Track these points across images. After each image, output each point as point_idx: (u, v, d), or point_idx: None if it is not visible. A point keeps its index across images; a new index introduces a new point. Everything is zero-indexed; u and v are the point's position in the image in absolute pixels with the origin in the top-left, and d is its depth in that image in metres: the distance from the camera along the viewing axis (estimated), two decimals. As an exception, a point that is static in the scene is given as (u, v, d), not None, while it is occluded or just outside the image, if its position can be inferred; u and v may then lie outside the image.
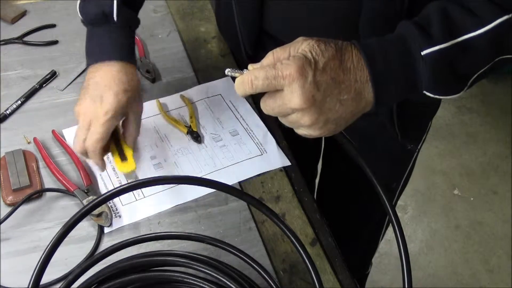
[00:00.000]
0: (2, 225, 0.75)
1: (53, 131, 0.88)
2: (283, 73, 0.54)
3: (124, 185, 0.57)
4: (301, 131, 0.59)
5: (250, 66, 0.59)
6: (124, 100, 0.75)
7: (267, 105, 0.58)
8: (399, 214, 1.25)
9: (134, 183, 0.57)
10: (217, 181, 0.62)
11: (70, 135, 0.89)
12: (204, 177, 0.83)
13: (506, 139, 2.34)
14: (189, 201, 0.81)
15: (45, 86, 0.97)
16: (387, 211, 0.61)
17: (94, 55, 0.78)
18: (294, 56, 0.55)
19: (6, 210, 0.77)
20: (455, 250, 1.96)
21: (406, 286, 0.56)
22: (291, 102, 0.54)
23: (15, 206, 0.76)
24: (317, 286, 0.59)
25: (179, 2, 1.19)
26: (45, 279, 0.69)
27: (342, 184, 1.20)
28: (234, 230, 0.78)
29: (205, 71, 1.03)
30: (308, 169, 1.18)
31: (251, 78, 0.55)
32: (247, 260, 0.67)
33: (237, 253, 0.68)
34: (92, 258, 0.65)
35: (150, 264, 0.67)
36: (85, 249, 0.74)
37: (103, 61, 0.76)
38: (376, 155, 1.01)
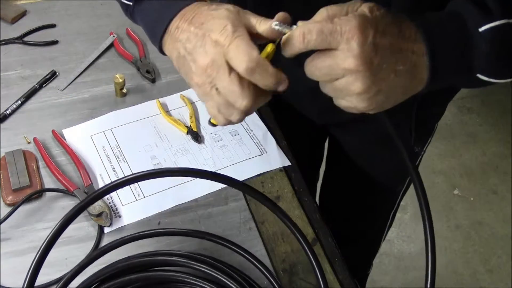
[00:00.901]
0: (2, 225, 0.75)
1: (53, 131, 0.88)
2: (341, 29, 0.49)
3: (120, 179, 0.56)
4: (345, 102, 0.54)
5: (300, 23, 0.52)
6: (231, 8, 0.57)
7: (313, 65, 0.52)
8: (398, 215, 1.26)
9: (131, 176, 0.56)
10: (219, 174, 0.61)
11: (70, 135, 0.89)
12: (204, 177, 0.84)
13: (506, 139, 2.35)
14: (189, 201, 0.81)
15: (45, 86, 0.97)
16: (412, 176, 0.59)
17: (164, 16, 0.61)
18: (353, 14, 0.50)
19: (6, 210, 0.77)
20: (455, 250, 1.96)
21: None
22: (345, 62, 0.49)
23: (15, 206, 0.76)
24: (321, 282, 0.59)
25: (179, 2, 1.19)
26: (44, 279, 0.70)
27: (346, 187, 1.19)
28: (234, 230, 0.78)
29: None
30: (310, 173, 1.17)
31: (303, 31, 0.50)
32: (247, 256, 0.66)
33: (236, 249, 0.67)
34: (90, 256, 0.65)
35: (150, 264, 0.67)
36: (85, 249, 0.74)
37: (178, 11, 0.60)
38: (388, 156, 1.00)
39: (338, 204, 1.23)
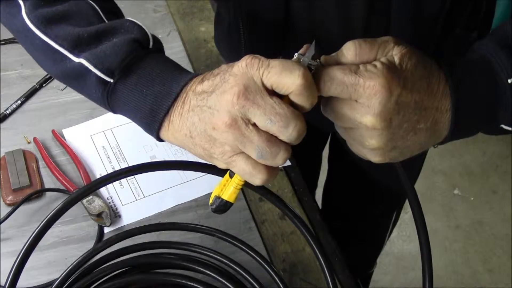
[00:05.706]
0: (2, 225, 0.75)
1: (53, 131, 0.88)
2: (365, 83, 0.45)
3: (115, 171, 0.55)
4: (357, 150, 0.51)
5: (323, 58, 0.48)
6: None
7: (330, 108, 0.48)
8: (399, 214, 1.26)
9: (126, 169, 0.55)
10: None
11: (70, 135, 0.89)
12: (204, 177, 0.84)
13: (506, 139, 2.34)
14: (189, 201, 0.81)
15: (45, 86, 0.97)
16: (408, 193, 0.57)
17: (174, 84, 0.55)
18: (382, 64, 0.46)
19: (6, 210, 0.77)
20: (455, 250, 1.96)
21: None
22: (363, 117, 0.46)
23: (15, 206, 0.76)
24: (327, 273, 0.57)
25: (179, 1, 1.19)
26: (44, 279, 0.70)
27: (351, 189, 1.18)
28: (234, 230, 0.78)
29: (205, 71, 1.02)
30: (309, 179, 1.16)
31: (323, 78, 0.46)
32: (254, 255, 0.65)
33: (240, 245, 0.66)
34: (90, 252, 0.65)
35: (153, 264, 0.67)
36: (84, 249, 0.74)
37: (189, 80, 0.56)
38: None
39: (342, 206, 1.22)
